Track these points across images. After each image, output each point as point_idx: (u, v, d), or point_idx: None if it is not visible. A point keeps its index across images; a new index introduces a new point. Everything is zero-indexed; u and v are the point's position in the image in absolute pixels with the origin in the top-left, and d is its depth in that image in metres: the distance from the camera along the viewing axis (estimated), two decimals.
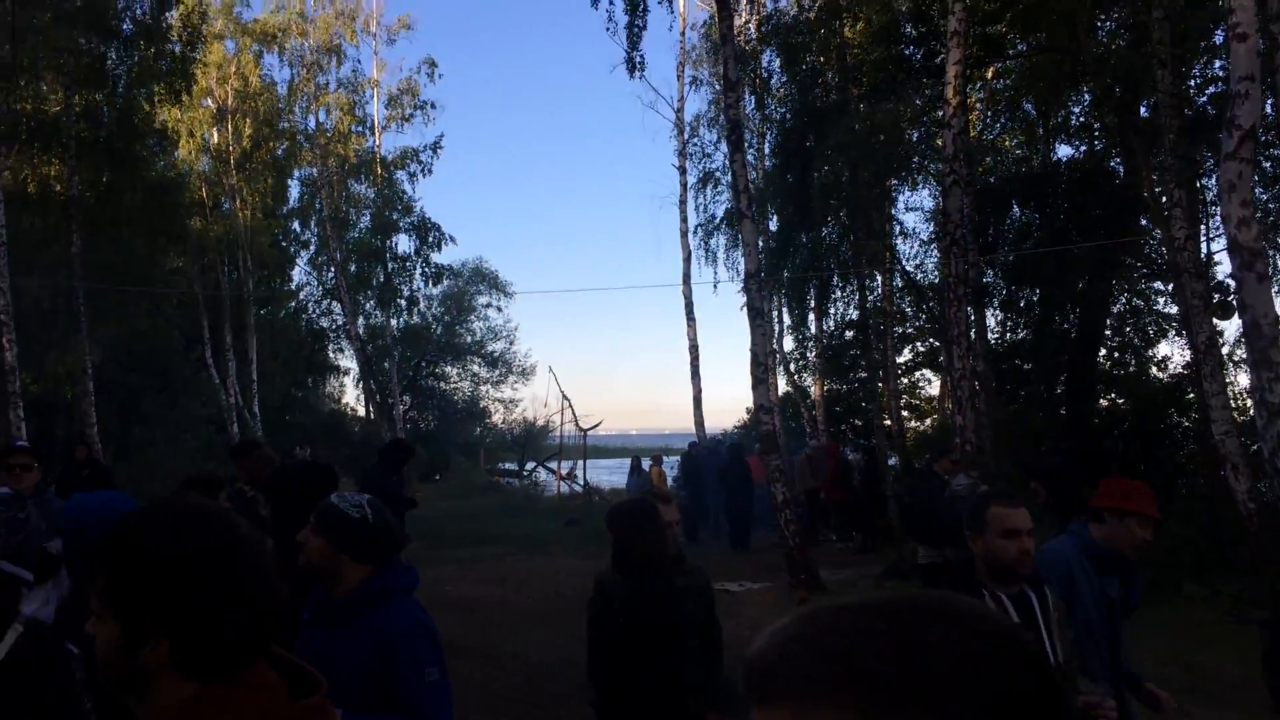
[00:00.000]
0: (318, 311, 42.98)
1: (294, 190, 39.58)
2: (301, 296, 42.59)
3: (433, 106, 37.43)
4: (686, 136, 29.76)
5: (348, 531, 2.86)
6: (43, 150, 23.85)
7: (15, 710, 2.15)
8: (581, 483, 30.68)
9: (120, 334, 28.35)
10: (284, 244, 39.73)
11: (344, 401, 46.52)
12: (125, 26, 23.66)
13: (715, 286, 39.02)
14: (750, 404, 22.51)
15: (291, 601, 1.54)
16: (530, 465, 39.57)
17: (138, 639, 1.35)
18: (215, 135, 34.72)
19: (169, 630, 1.34)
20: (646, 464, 23.99)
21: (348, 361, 43.40)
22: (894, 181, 22.25)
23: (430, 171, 37.31)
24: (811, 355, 26.67)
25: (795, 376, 27.46)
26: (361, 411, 43.40)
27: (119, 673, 1.37)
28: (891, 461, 21.13)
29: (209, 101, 34.14)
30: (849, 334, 25.94)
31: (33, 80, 23.57)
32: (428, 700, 2.75)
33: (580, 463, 31.17)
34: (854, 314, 24.11)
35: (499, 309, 48.63)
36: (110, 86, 24.05)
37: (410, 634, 2.83)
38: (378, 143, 37.97)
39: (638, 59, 16.76)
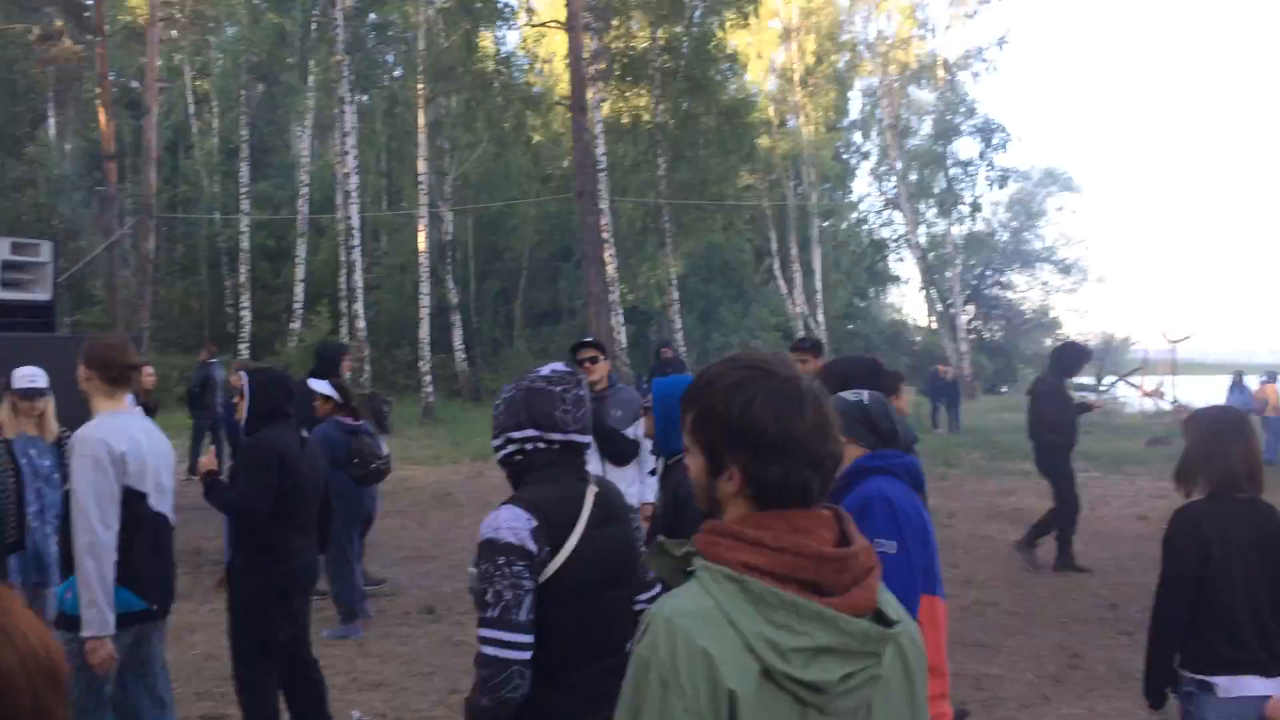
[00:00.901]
0: (878, 222, 43.23)
1: (854, 102, 39.84)
2: (862, 207, 43.10)
3: None
4: None
5: (847, 416, 3.00)
6: (633, 83, 26.41)
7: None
8: (1170, 399, 27.58)
9: (699, 248, 30.86)
10: (845, 156, 40.34)
11: (904, 311, 46.45)
12: None
13: None
14: None
15: None
16: (1109, 380, 36.45)
17: (717, 469, 1.58)
18: (781, 55, 35.98)
19: (740, 464, 1.56)
20: (1255, 382, 20.76)
21: (908, 271, 43.12)
22: None
23: (995, 70, 35.31)
24: None
25: None
26: (923, 321, 43.05)
27: (706, 498, 1.63)
28: None
29: (775, 22, 35.40)
30: None
31: (624, 20, 26.10)
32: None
33: (1168, 378, 28.06)
34: None
35: (1073, 212, 45.04)
36: (688, 18, 25.89)
37: (867, 506, 2.91)
38: (939, 45, 36.74)
39: None
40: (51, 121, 32.63)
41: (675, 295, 28.17)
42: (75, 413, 4.01)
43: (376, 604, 7.59)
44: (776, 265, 34.65)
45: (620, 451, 5.79)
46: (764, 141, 32.81)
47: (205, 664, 6.08)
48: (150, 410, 7.34)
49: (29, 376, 5.31)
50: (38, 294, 11.05)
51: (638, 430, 5.74)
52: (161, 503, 3.91)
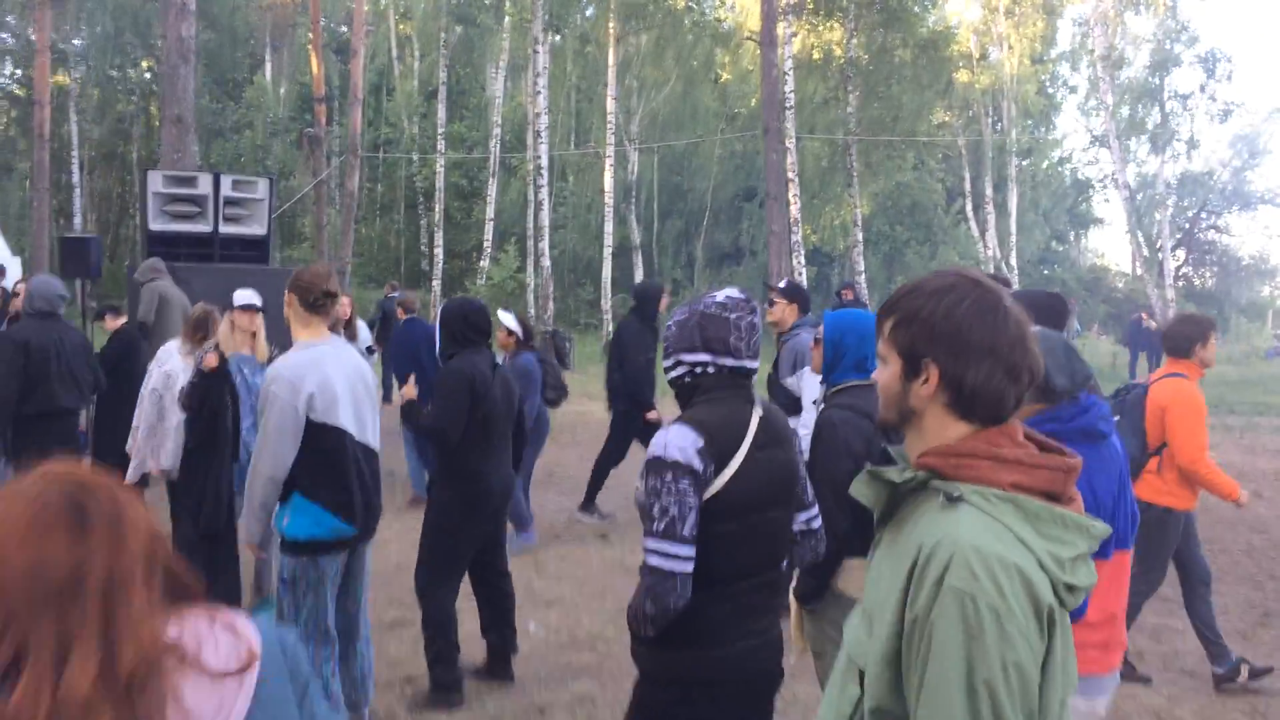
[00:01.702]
0: (1083, 160, 40.80)
1: (1063, 32, 37.47)
2: (1066, 145, 40.73)
3: None
4: None
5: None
6: (826, 17, 25.72)
7: None
8: None
9: (887, 188, 29.97)
10: (1050, 91, 38.12)
11: (1106, 256, 43.87)
12: None
13: None
14: None
15: None
16: None
17: (913, 373, 1.62)
18: None
19: (939, 365, 1.59)
20: None
21: (1113, 213, 40.57)
22: None
23: None
24: None
25: None
26: (1126, 267, 40.57)
27: (896, 405, 1.67)
28: None
29: None
30: None
31: None
32: None
33: None
34: None
35: None
36: None
37: None
38: None
39: None
40: (268, 67, 34.63)
41: (859, 237, 27.52)
42: (286, 341, 4.22)
43: (554, 529, 7.99)
44: (969, 206, 33.30)
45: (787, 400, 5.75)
46: (962, 75, 31.36)
47: (396, 574, 6.49)
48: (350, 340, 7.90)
49: (247, 296, 5.81)
50: (255, 228, 11.90)
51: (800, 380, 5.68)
52: (362, 431, 4.04)
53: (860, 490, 1.68)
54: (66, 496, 1.24)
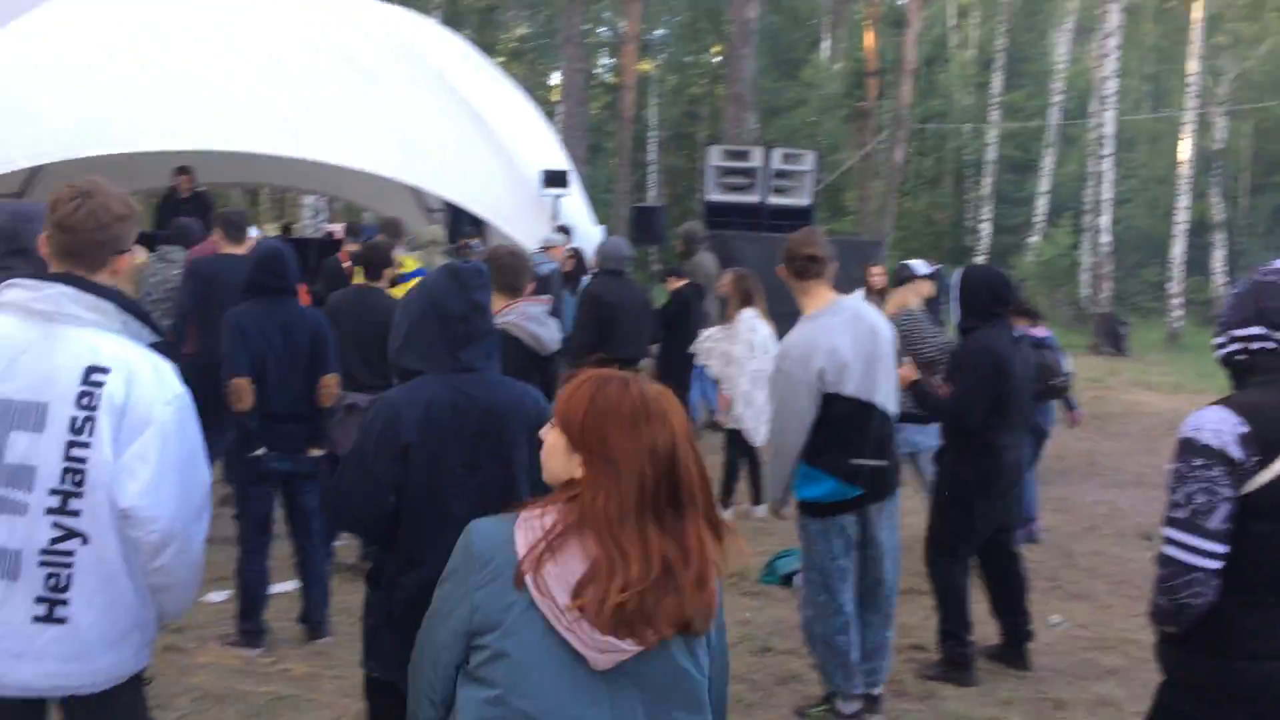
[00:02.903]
0: None
1: None
2: None
3: None
4: None
5: None
6: None
7: None
8: None
9: None
10: None
11: None
12: None
13: None
14: None
15: None
16: None
17: None
18: None
19: None
20: None
21: None
22: None
23: None
24: None
25: None
26: None
27: None
28: None
29: None
30: None
31: None
32: None
33: None
34: None
35: None
36: None
37: None
38: None
39: None
40: (825, 44, 35.72)
41: None
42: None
43: (1092, 520, 7.46)
44: None
45: None
46: None
47: (915, 545, 6.47)
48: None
49: (921, 266, 6.45)
50: (799, 199, 12.36)
51: None
52: (871, 393, 3.94)
53: None
54: (649, 394, 1.72)
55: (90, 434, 2.16)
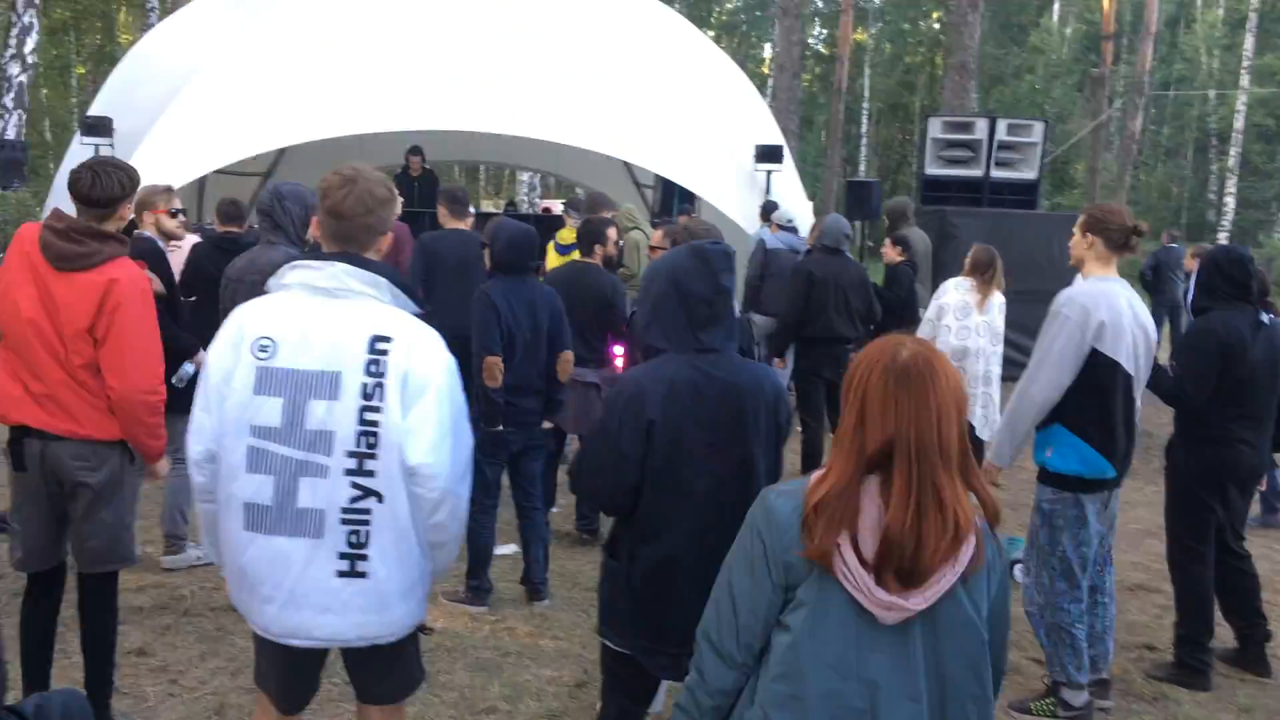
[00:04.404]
0: None
1: None
2: None
3: None
4: None
5: None
6: None
7: None
8: None
9: None
10: None
11: None
12: None
13: None
14: None
15: None
16: None
17: None
18: None
19: None
20: None
21: None
22: None
23: None
24: None
25: None
26: None
27: None
28: None
29: None
30: None
31: None
32: None
33: None
34: None
35: None
36: None
37: None
38: None
39: None
40: (1056, 7, 33.81)
41: None
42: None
43: None
44: None
45: None
46: None
47: (1143, 538, 6.14)
48: None
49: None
50: (1025, 173, 11.78)
51: None
52: (1135, 374, 3.86)
53: None
54: (916, 355, 1.80)
55: (380, 399, 2.33)
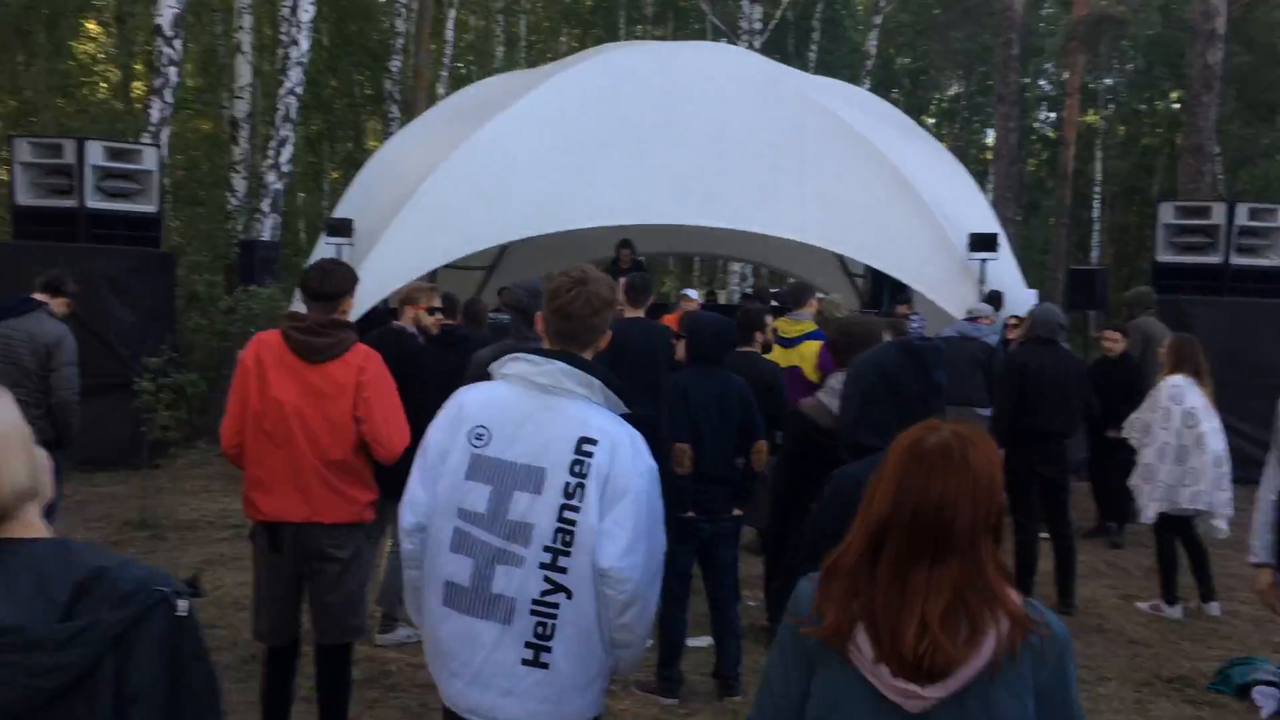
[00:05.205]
0: None
1: None
2: None
3: None
4: None
5: None
6: None
7: None
8: None
9: None
10: None
11: None
12: None
13: None
14: None
15: None
16: None
17: None
18: None
19: None
20: None
21: None
22: None
23: None
24: None
25: None
26: None
27: None
28: None
29: None
30: None
31: None
32: None
33: None
34: None
35: None
36: None
37: None
38: None
39: None
40: None
41: None
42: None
43: None
44: None
45: None
46: None
47: None
48: None
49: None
50: (1271, 259, 10.94)
51: None
52: None
53: None
54: (947, 440, 1.74)
55: (580, 499, 2.40)
